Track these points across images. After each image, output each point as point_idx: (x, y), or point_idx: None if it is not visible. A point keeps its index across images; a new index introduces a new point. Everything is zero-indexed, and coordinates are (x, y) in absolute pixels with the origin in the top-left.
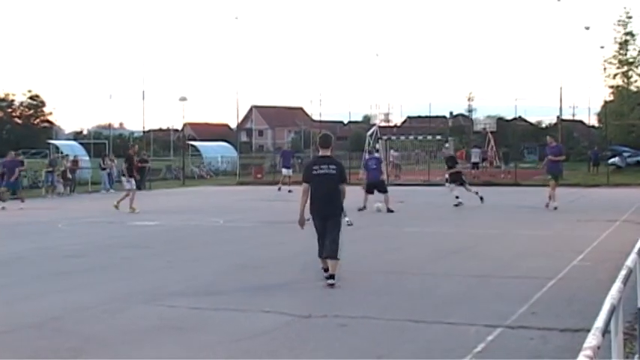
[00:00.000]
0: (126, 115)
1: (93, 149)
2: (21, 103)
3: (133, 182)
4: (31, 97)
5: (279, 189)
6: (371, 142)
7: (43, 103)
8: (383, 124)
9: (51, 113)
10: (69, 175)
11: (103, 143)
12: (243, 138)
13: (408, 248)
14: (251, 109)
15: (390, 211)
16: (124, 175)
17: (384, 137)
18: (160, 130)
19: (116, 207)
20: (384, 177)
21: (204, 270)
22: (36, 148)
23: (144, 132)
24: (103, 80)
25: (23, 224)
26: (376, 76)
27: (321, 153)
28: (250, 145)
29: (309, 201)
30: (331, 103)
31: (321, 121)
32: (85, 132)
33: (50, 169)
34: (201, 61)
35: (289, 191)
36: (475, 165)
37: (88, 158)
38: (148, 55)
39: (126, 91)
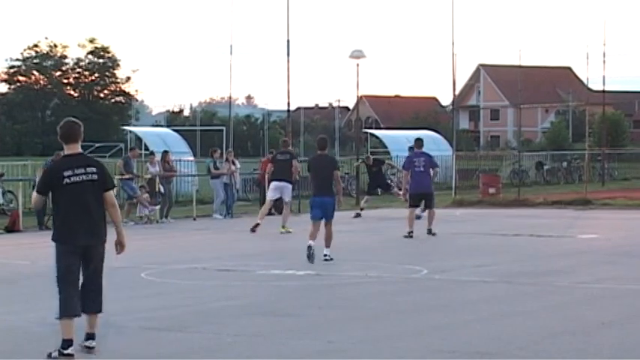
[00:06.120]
0: (258, 85)
1: (200, 141)
2: (77, 62)
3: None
4: (93, 52)
5: None
6: None
7: (115, 62)
8: None
9: (129, 79)
10: (160, 188)
11: (219, 131)
12: (463, 124)
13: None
14: (477, 71)
15: None
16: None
17: None
18: (318, 108)
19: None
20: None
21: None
22: (102, 141)
23: (289, 112)
24: (217, 30)
25: None
26: None
27: (67, 150)
28: (476, 136)
29: (62, 224)
30: (623, 59)
31: (604, 91)
32: (186, 112)
33: (127, 176)
34: None
35: None
36: None
37: (192, 157)
38: None
39: (258, 46)
